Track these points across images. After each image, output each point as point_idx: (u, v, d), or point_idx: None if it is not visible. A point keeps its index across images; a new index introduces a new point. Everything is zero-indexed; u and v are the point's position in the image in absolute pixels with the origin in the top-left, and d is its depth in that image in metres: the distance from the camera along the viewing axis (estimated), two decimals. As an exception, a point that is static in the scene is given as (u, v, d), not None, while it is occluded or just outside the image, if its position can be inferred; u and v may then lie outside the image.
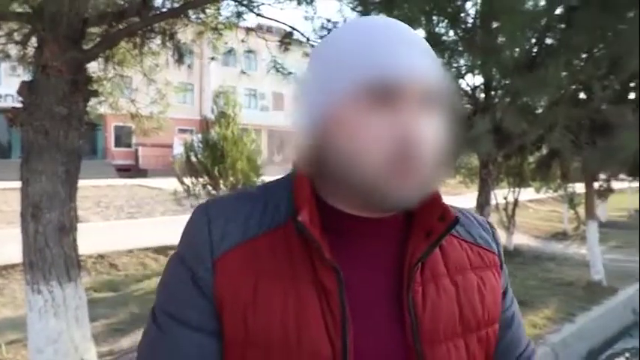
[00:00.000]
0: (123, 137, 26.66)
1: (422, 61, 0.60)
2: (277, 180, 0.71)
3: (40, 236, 2.43)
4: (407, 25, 0.65)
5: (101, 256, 6.75)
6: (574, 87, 4.63)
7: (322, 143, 0.61)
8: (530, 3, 3.99)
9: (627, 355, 5.22)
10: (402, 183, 0.58)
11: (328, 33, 3.21)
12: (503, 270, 0.74)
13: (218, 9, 3.78)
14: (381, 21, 0.64)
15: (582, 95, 5.02)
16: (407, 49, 0.60)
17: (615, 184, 11.30)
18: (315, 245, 0.59)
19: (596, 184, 8.07)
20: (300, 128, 0.63)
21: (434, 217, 0.65)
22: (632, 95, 5.04)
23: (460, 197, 15.76)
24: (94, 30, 3.23)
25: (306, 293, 0.60)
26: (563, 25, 4.29)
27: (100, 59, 3.70)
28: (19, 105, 2.64)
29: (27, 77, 3.22)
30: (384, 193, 0.58)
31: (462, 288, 0.66)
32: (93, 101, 3.71)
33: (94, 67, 3.87)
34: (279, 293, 0.60)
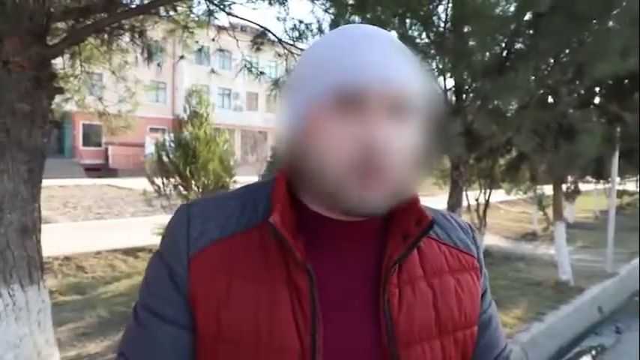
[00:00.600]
0: (92, 136, 26.00)
1: (391, 68, 0.60)
2: (264, 180, 0.73)
3: (1, 237, 2.34)
4: (388, 33, 0.66)
5: (67, 258, 6.55)
6: (542, 91, 4.75)
7: (299, 146, 0.62)
8: (500, 8, 4.08)
9: (594, 352, 5.39)
10: (365, 191, 0.58)
11: (300, 34, 3.21)
12: (482, 273, 0.74)
13: (190, 7, 3.73)
14: (361, 28, 0.64)
15: (550, 99, 5.17)
16: (376, 55, 0.60)
17: (582, 186, 11.67)
18: (287, 246, 0.60)
19: (564, 186, 8.29)
20: (281, 129, 0.65)
21: (411, 220, 0.66)
22: (596, 100, 5.22)
23: (433, 198, 15.97)
24: (60, 25, 3.14)
25: (279, 293, 0.61)
26: (531, 31, 4.40)
27: (66, 55, 3.60)
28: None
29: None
30: (347, 199, 0.59)
31: (439, 290, 0.67)
32: (59, 98, 3.60)
33: (60, 64, 3.76)
34: (252, 292, 0.61)
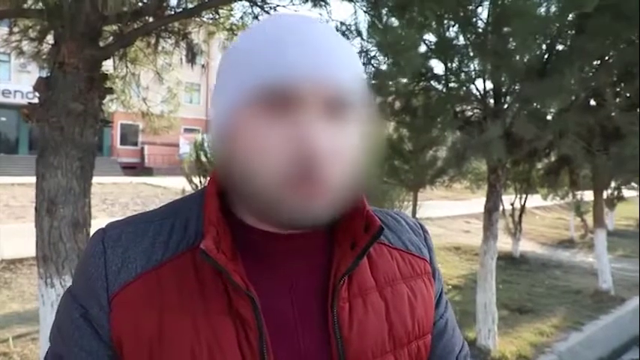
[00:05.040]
0: (129, 135, 26.83)
1: (325, 62, 0.53)
2: (190, 195, 0.66)
3: (54, 231, 2.45)
4: (323, 23, 0.59)
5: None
6: (585, 94, 4.62)
7: (226, 153, 0.55)
8: (543, 8, 3.99)
9: (635, 365, 5.19)
10: (305, 200, 0.52)
11: (342, 35, 3.23)
12: (435, 276, 0.71)
13: (231, 9, 3.81)
14: (287, 19, 0.57)
15: (593, 102, 5.01)
16: (307, 47, 0.53)
17: (625, 193, 11.25)
18: (224, 273, 0.54)
19: (605, 193, 8.03)
20: (210, 137, 0.59)
21: (358, 227, 0.61)
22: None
23: (466, 202, 15.74)
24: (106, 28, 3.26)
25: (221, 325, 0.54)
26: (573, 32, 4.28)
27: (112, 57, 3.73)
28: (32, 101, 2.67)
29: (37, 74, 3.24)
30: (285, 211, 0.53)
31: (392, 302, 0.63)
32: (105, 98, 3.73)
33: (106, 65, 3.90)
34: (189, 328, 0.54)
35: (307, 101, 0.52)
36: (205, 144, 5.78)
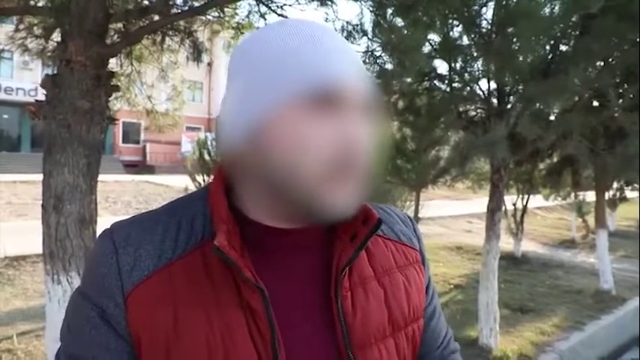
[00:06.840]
0: (131, 133, 26.81)
1: (360, 69, 0.60)
2: (193, 192, 0.68)
3: (61, 227, 2.46)
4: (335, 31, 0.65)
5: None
6: (588, 94, 4.62)
7: (255, 151, 0.58)
8: (547, 9, 3.99)
9: (636, 364, 5.20)
10: (343, 192, 0.57)
11: (348, 34, 3.24)
12: (425, 265, 0.75)
13: (235, 8, 3.82)
14: (314, 25, 0.61)
15: (596, 102, 5.01)
16: (347, 56, 0.59)
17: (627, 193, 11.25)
18: (235, 268, 0.56)
19: (607, 194, 8.03)
20: (230, 134, 0.60)
21: (357, 220, 0.63)
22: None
23: (467, 202, 15.74)
24: (112, 26, 3.27)
25: (233, 317, 0.57)
26: (577, 32, 4.28)
27: (118, 55, 3.74)
28: (35, 98, 2.68)
29: (40, 71, 3.25)
30: (323, 202, 0.56)
31: (390, 289, 0.67)
32: (111, 96, 3.74)
33: (110, 63, 3.90)
34: (202, 321, 0.56)
35: (351, 102, 0.57)
36: (209, 142, 5.79)
